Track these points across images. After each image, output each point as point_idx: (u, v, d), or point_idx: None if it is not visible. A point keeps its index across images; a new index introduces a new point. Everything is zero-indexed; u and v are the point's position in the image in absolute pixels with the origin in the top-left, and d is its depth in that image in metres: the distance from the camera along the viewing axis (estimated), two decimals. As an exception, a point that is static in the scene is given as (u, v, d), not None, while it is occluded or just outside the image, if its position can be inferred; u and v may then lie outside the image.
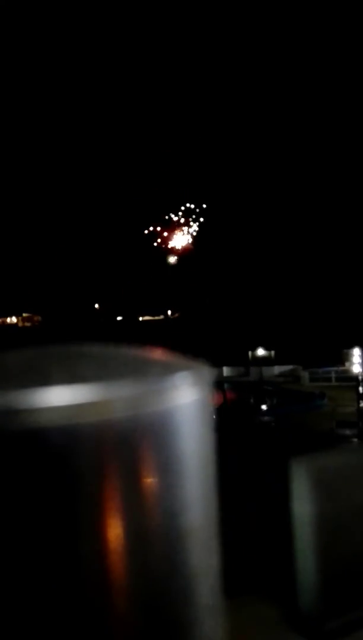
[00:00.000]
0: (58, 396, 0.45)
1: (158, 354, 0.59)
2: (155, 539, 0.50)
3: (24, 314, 49.32)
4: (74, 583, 0.46)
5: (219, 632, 0.57)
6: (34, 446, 0.44)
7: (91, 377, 0.47)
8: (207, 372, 0.56)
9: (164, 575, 0.51)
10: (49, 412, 0.44)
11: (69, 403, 0.45)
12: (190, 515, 0.52)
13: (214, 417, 0.57)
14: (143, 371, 0.52)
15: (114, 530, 0.48)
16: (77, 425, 0.45)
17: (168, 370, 0.52)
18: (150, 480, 0.49)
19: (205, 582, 0.54)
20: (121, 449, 0.47)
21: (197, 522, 0.53)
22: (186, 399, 0.51)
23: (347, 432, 17.69)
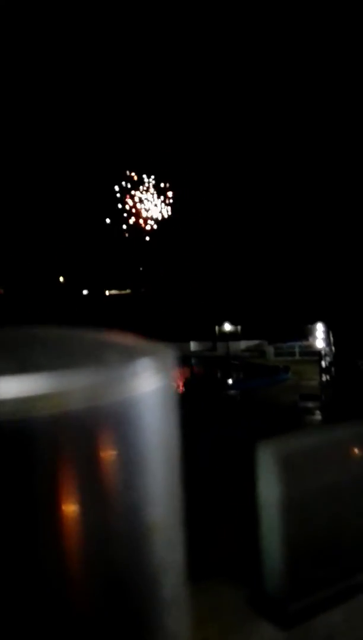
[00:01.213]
0: (6, 388, 0.41)
1: (117, 337, 0.55)
2: (117, 532, 0.48)
3: (-16, 288, 47.94)
4: (35, 577, 0.44)
5: (184, 622, 0.55)
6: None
7: (45, 365, 0.43)
8: (171, 357, 0.52)
9: (127, 569, 0.49)
10: (-3, 406, 0.40)
11: (19, 395, 0.41)
12: (153, 509, 0.49)
13: (181, 391, 0.54)
14: (101, 358, 0.48)
15: (74, 528, 0.45)
16: (30, 419, 0.41)
17: (129, 356, 0.48)
18: (111, 474, 0.46)
19: (169, 573, 0.52)
20: (79, 443, 0.44)
21: (161, 515, 0.50)
22: (148, 387, 0.48)
23: (310, 404, 18.25)
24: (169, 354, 0.52)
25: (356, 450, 2.11)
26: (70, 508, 0.44)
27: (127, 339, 0.54)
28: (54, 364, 0.44)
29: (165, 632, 0.52)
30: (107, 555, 0.47)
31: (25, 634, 0.43)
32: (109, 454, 0.46)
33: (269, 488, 1.87)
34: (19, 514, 0.42)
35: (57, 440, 0.43)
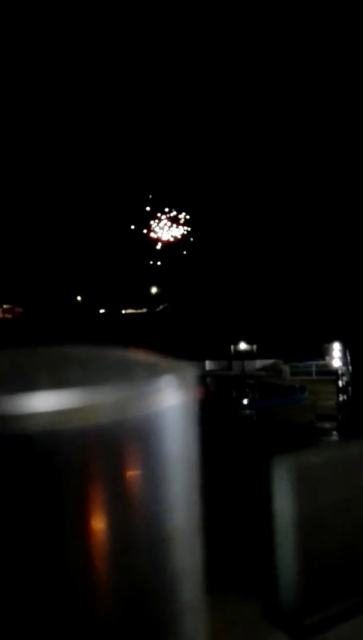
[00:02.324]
0: (44, 401, 0.45)
1: (143, 355, 0.59)
2: (139, 542, 0.50)
3: (5, 306, 48.74)
4: (59, 584, 0.46)
5: (202, 632, 0.57)
6: (19, 452, 0.44)
7: (77, 381, 0.47)
8: (192, 374, 0.56)
9: (148, 577, 0.51)
10: (34, 418, 0.44)
11: (55, 409, 0.45)
12: (174, 519, 0.52)
13: (197, 413, 0.57)
14: (128, 375, 0.52)
15: (99, 535, 0.48)
16: (62, 430, 0.45)
17: (154, 373, 0.52)
18: (135, 485, 0.50)
19: (188, 583, 0.55)
20: (106, 454, 0.47)
21: (181, 525, 0.53)
22: (171, 402, 0.52)
23: (327, 425, 17.98)
24: (190, 371, 0.56)
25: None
26: (97, 515, 0.48)
27: (151, 357, 0.58)
28: (85, 379, 0.48)
29: (181, 638, 0.54)
30: (130, 561, 0.50)
31: (44, 633, 0.46)
32: (134, 464, 0.49)
33: (284, 502, 1.87)
34: (50, 519, 0.46)
35: (87, 450, 0.46)
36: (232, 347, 33.52)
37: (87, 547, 0.48)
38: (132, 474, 0.49)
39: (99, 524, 0.48)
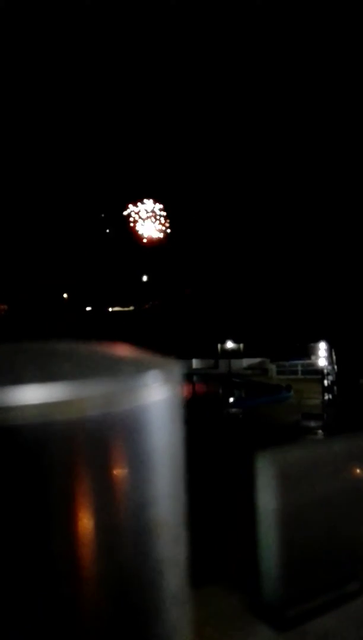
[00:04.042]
0: (32, 394, 0.45)
1: (129, 351, 0.60)
2: (125, 531, 0.51)
3: (-10, 303, 48.21)
4: (46, 575, 0.47)
5: (185, 620, 0.59)
6: (7, 443, 0.45)
7: (64, 375, 0.48)
8: (177, 370, 0.57)
9: (133, 566, 0.52)
10: (23, 410, 0.45)
11: (43, 401, 0.45)
12: (159, 509, 0.53)
13: (183, 410, 0.58)
14: (115, 369, 0.53)
15: (85, 526, 0.49)
16: (50, 423, 0.46)
17: (140, 368, 0.53)
18: (121, 476, 0.51)
19: (172, 572, 0.56)
20: (92, 447, 0.48)
21: (165, 515, 0.54)
22: (157, 396, 0.53)
23: (312, 424, 18.15)
24: (176, 367, 0.57)
25: (350, 463, 2.15)
26: (84, 507, 0.49)
27: (138, 353, 0.59)
28: (73, 374, 0.49)
29: (166, 627, 0.56)
30: (116, 552, 0.51)
31: (32, 621, 0.47)
32: (120, 456, 0.50)
33: (267, 498, 1.91)
34: (39, 508, 0.47)
35: (74, 442, 0.47)
36: (219, 345, 33.62)
37: (74, 538, 0.49)
38: (118, 466, 0.50)
39: (85, 515, 0.49)
